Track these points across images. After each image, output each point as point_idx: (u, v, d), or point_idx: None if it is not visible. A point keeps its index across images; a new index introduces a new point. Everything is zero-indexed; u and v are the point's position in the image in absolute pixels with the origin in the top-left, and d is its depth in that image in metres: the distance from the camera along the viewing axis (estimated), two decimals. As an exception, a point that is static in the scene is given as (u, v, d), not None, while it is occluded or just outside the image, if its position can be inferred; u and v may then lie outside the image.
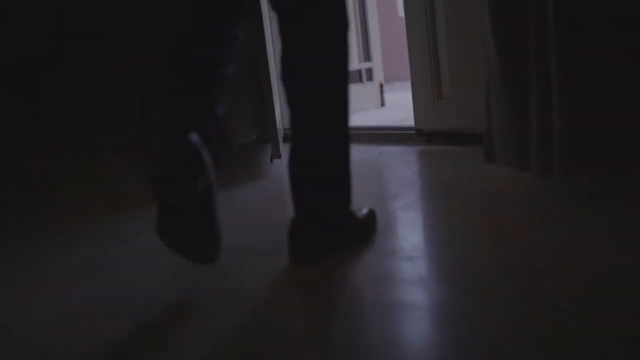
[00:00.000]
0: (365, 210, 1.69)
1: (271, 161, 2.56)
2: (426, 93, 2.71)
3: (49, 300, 1.47)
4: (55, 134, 3.48)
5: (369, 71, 3.98)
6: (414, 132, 2.80)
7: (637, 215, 1.60)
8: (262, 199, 2.19)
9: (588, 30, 1.61)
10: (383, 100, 4.02)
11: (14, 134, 3.52)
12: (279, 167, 2.57)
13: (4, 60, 3.47)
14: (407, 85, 2.85)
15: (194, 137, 1.38)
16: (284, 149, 2.64)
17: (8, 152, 3.36)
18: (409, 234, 1.69)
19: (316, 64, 1.49)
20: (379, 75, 4.05)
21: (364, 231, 1.66)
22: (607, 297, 1.20)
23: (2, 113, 3.47)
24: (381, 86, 4.02)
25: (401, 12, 7.89)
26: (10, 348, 1.25)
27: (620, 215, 1.62)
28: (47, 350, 1.22)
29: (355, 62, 3.77)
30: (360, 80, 3.91)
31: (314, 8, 1.47)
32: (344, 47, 1.53)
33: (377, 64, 4.03)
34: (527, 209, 1.77)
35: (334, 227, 1.57)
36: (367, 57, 3.98)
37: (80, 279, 1.59)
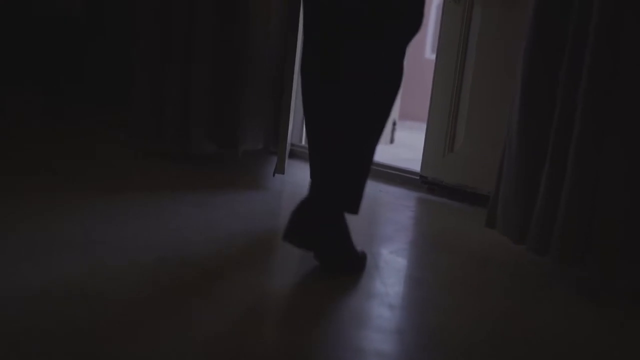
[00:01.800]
0: (358, 249, 1.71)
1: (273, 175, 2.56)
2: (439, 143, 2.73)
3: (22, 275, 1.44)
4: (75, 99, 3.49)
5: (386, 106, 4.00)
6: (418, 177, 2.82)
7: (615, 312, 1.66)
8: (258, 211, 2.18)
9: (611, 136, 1.64)
10: (393, 137, 4.04)
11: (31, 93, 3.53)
12: (280, 182, 2.58)
13: (36, 19, 3.48)
14: (419, 125, 2.88)
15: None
16: (289, 165, 2.65)
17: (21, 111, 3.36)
18: (394, 281, 1.70)
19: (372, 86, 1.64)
20: (394, 113, 4.08)
21: (354, 262, 1.68)
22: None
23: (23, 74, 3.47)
24: (394, 124, 4.05)
25: (428, 54, 7.93)
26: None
27: (602, 308, 1.67)
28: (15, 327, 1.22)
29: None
30: (376, 113, 3.93)
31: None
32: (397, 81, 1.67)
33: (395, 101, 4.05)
34: (515, 281, 1.80)
35: (333, 226, 1.62)
36: (388, 92, 4.00)
37: (60, 256, 1.57)
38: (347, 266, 1.67)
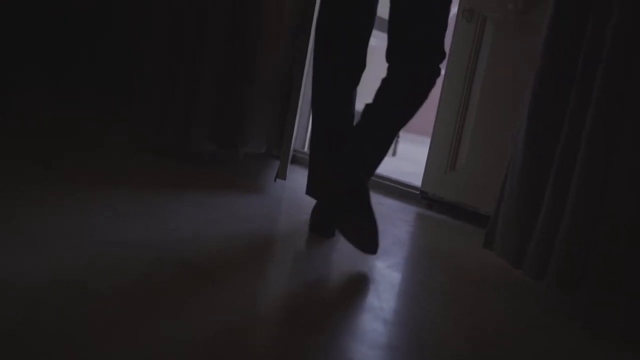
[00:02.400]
0: None
1: (275, 180, 2.56)
2: (441, 159, 2.73)
3: (19, 271, 1.42)
4: (83, 92, 3.48)
5: (391, 118, 4.00)
6: (418, 192, 2.82)
7: (609, 339, 1.66)
8: (258, 214, 2.18)
9: (617, 161, 1.63)
10: (396, 150, 4.05)
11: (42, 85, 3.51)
12: (281, 187, 2.58)
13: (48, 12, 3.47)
14: (422, 139, 2.89)
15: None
16: (291, 171, 2.65)
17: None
18: (389, 296, 1.70)
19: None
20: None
21: (365, 217, 1.86)
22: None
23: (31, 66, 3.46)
24: (397, 136, 4.05)
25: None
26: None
27: (596, 334, 1.67)
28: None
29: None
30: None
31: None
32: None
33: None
34: (509, 302, 1.80)
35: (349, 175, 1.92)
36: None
37: (58, 252, 1.56)
38: (354, 213, 1.85)
